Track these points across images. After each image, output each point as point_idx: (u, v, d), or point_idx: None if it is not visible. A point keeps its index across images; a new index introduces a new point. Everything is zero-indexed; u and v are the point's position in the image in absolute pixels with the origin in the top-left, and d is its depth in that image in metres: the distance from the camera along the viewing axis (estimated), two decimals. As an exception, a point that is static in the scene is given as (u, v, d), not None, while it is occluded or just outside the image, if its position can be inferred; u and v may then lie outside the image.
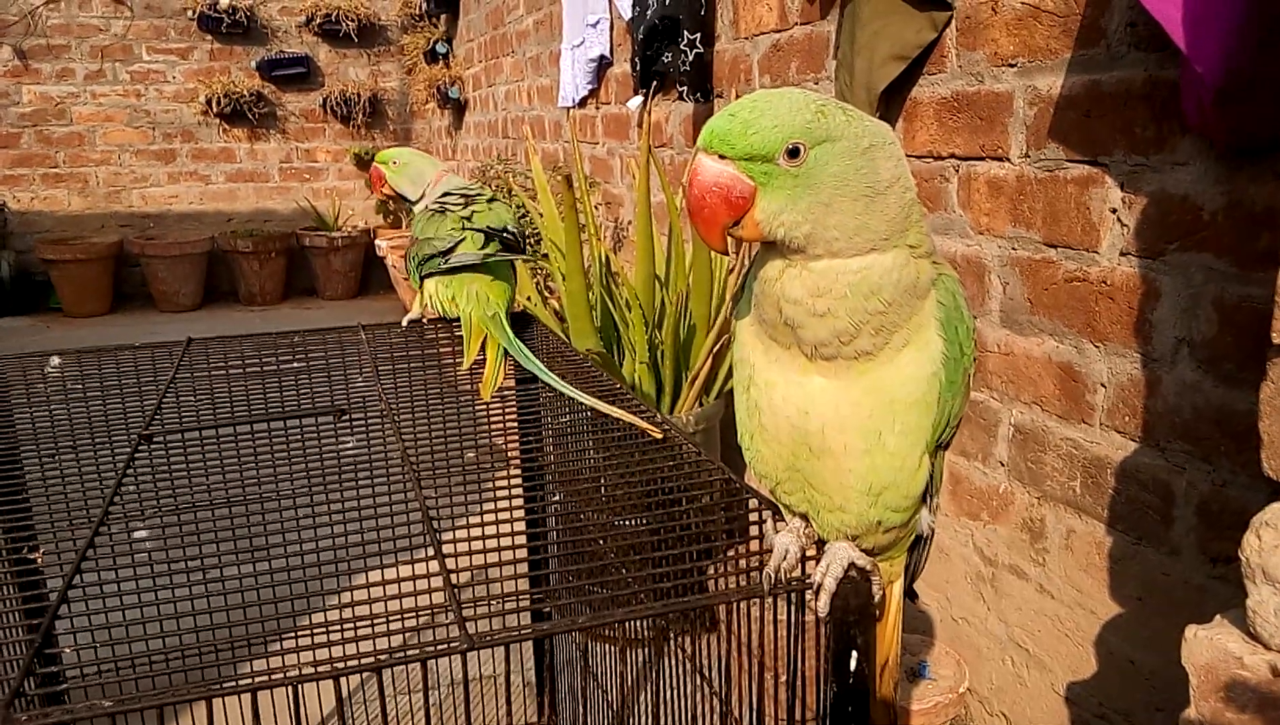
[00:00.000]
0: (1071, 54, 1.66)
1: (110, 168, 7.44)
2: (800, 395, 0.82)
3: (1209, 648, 0.92)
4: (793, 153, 0.75)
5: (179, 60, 7.47)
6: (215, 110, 7.44)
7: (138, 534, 1.07)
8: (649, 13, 3.29)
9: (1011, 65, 1.80)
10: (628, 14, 3.62)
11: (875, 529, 0.87)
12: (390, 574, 1.01)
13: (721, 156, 0.76)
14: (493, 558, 1.19)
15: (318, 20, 7.56)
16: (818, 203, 0.76)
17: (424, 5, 7.24)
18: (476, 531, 1.23)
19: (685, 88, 3.06)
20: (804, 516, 0.91)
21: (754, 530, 0.98)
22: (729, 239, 0.79)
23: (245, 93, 7.45)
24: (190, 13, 7.33)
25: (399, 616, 0.85)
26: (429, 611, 0.92)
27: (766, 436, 0.87)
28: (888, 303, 0.78)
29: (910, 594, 1.03)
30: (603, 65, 4.13)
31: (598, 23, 4.03)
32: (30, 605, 1.11)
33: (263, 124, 7.71)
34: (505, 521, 1.28)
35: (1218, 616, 0.95)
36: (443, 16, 7.26)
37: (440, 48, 7.21)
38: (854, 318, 0.78)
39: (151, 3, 7.34)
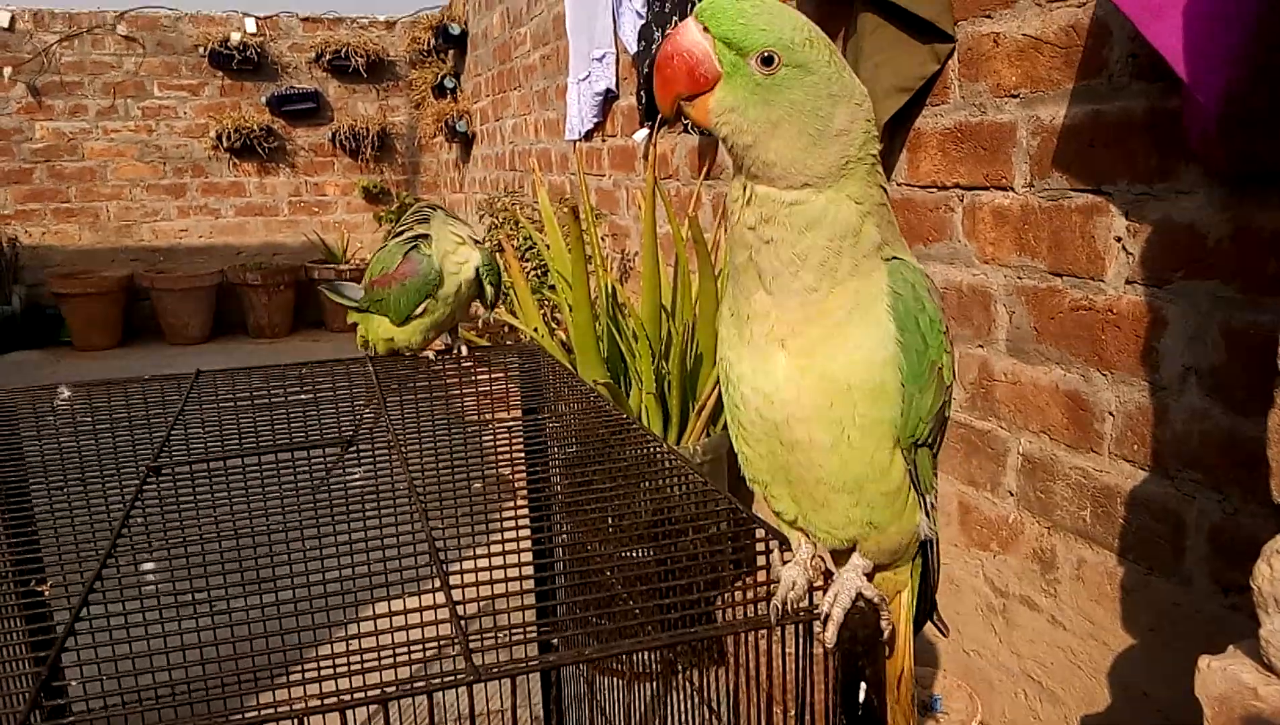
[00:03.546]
0: (1074, 84, 1.68)
1: (121, 202, 7.51)
2: (766, 383, 0.84)
3: (1223, 679, 0.91)
4: (767, 60, 0.77)
5: (190, 96, 7.57)
6: (225, 145, 7.52)
7: (145, 566, 1.07)
8: (654, 47, 3.32)
9: (1014, 96, 1.81)
10: (633, 48, 3.66)
11: (869, 530, 0.87)
12: (397, 606, 1.00)
13: (706, 29, 0.77)
14: (499, 589, 1.18)
15: (327, 56, 7.66)
16: (767, 120, 0.78)
17: (432, 41, 7.33)
18: (483, 563, 1.23)
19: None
20: (797, 527, 0.91)
21: (761, 561, 0.98)
22: (680, 110, 0.82)
23: (255, 128, 7.54)
24: (202, 50, 7.43)
25: (405, 649, 0.85)
26: (435, 644, 0.92)
27: (746, 435, 0.89)
28: (826, 240, 0.81)
29: (930, 616, 1.03)
30: (609, 99, 4.17)
31: (603, 57, 4.08)
32: (37, 638, 1.11)
33: (272, 158, 7.79)
34: (512, 552, 1.27)
35: (1231, 647, 0.94)
36: (450, 52, 7.35)
37: (448, 82, 7.30)
38: (795, 248, 0.81)
39: (164, 40, 7.44)
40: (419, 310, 1.66)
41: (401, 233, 1.69)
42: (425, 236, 1.67)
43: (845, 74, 0.80)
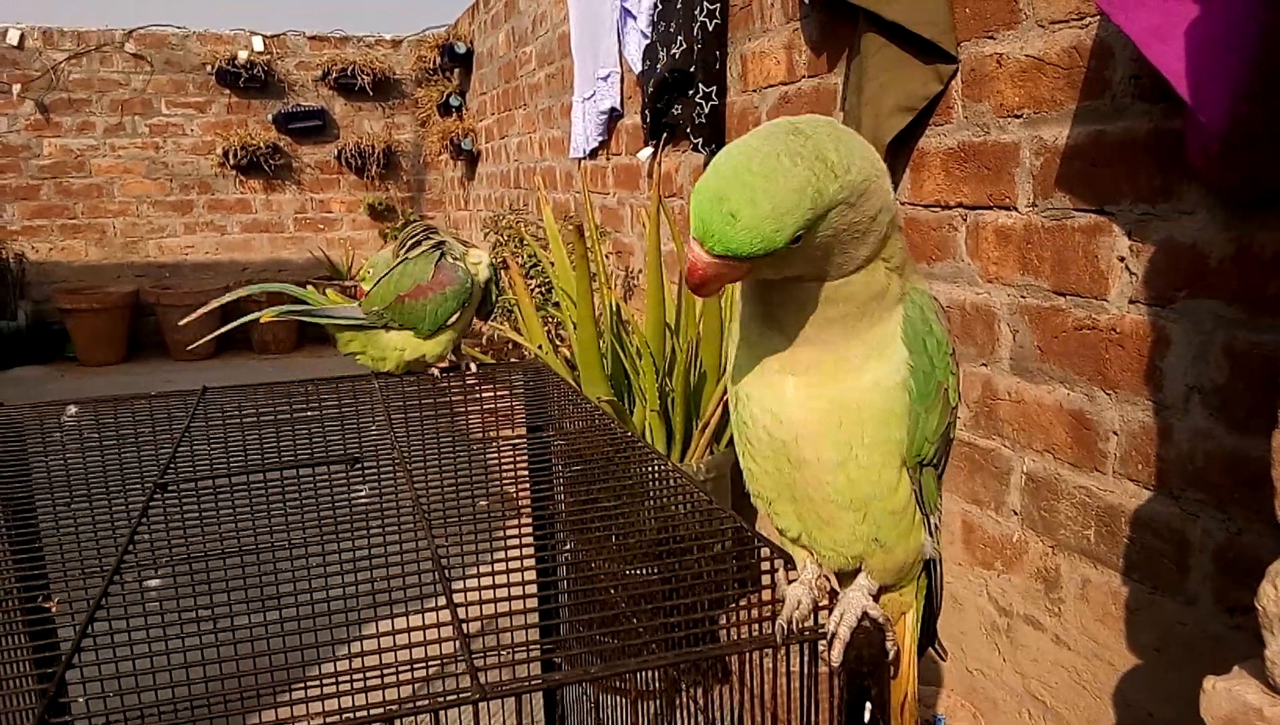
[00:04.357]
0: (1076, 105, 1.69)
1: (128, 219, 7.55)
2: (775, 402, 0.84)
3: (1227, 699, 0.90)
4: (792, 241, 0.71)
5: (197, 114, 7.62)
6: (232, 162, 7.56)
7: (150, 583, 1.07)
8: (659, 66, 3.34)
9: (1017, 116, 1.82)
10: (638, 67, 3.68)
11: (875, 548, 0.87)
12: (401, 623, 1.00)
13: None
14: (504, 607, 1.18)
15: (334, 74, 7.71)
16: (812, 257, 0.75)
17: (438, 60, 7.39)
18: (487, 580, 1.23)
19: (700, 139, 3.10)
20: (801, 544, 0.91)
21: (766, 580, 0.98)
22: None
23: (262, 145, 7.58)
24: (209, 68, 7.49)
25: (409, 667, 0.85)
26: (439, 661, 0.92)
27: (753, 451, 0.88)
28: (857, 306, 0.80)
29: (932, 640, 1.03)
30: (613, 117, 4.20)
31: (608, 76, 4.10)
32: (41, 655, 1.11)
33: (278, 175, 7.83)
34: (516, 570, 1.28)
35: (1235, 667, 0.94)
36: (456, 71, 7.40)
37: (454, 101, 7.34)
38: (824, 315, 0.80)
39: (171, 58, 7.50)
40: (452, 319, 1.66)
41: (415, 246, 1.69)
42: (445, 243, 1.68)
43: (856, 159, 0.72)
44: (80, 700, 0.82)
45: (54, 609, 1.01)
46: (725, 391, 2.58)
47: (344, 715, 0.74)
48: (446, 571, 0.99)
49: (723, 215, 0.69)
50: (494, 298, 1.77)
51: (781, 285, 0.80)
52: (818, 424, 0.82)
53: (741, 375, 0.89)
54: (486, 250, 1.73)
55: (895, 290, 0.82)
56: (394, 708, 0.74)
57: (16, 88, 7.11)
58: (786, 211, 0.69)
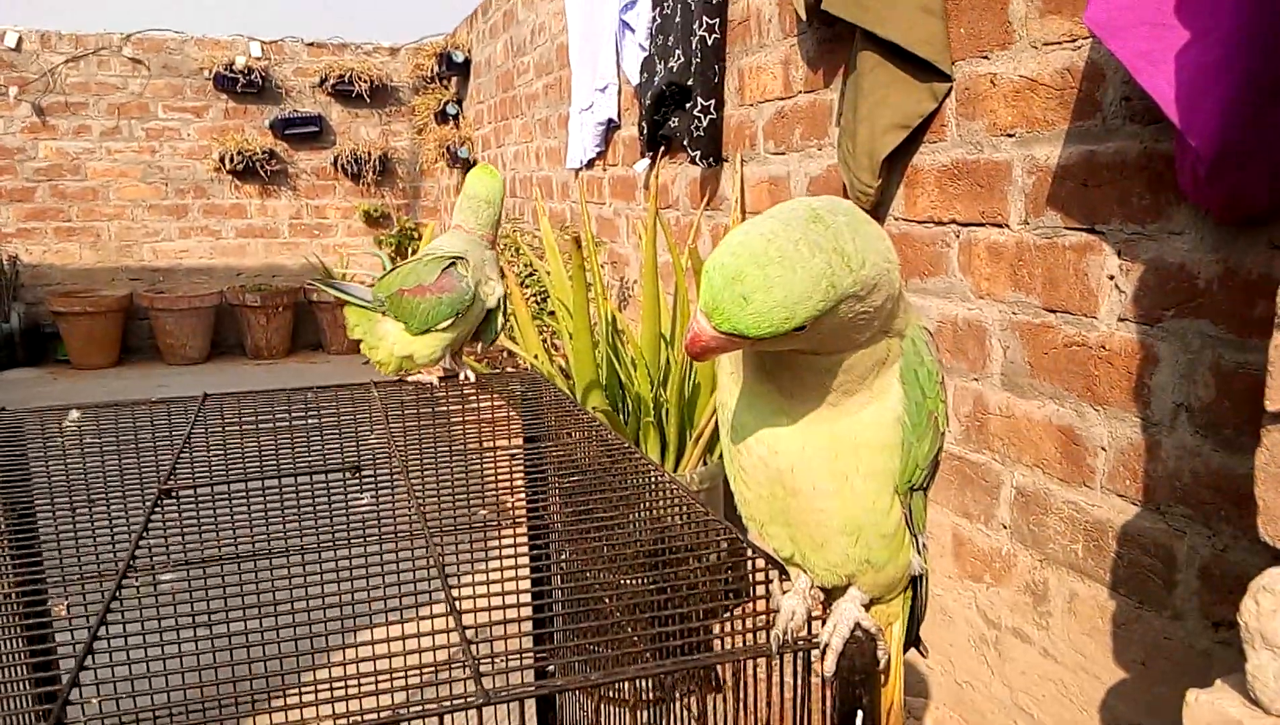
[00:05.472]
0: (1068, 125, 1.71)
1: (122, 222, 7.54)
2: (770, 435, 0.85)
3: (1210, 712, 0.92)
4: (798, 328, 0.71)
5: (194, 118, 7.62)
6: (228, 167, 7.56)
7: (163, 577, 1.08)
8: (657, 79, 3.37)
9: (1010, 135, 1.85)
10: (636, 79, 3.71)
11: (867, 568, 0.89)
12: (398, 630, 1.02)
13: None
14: (498, 615, 1.19)
15: (331, 81, 7.72)
16: (815, 339, 0.75)
17: (435, 68, 7.41)
18: (482, 589, 1.24)
19: (697, 152, 3.13)
20: (793, 563, 0.93)
21: (760, 590, 1.00)
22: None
23: (258, 150, 7.59)
24: (207, 72, 7.49)
25: (404, 673, 0.86)
26: (434, 668, 0.94)
27: (746, 477, 0.90)
28: (859, 375, 0.82)
29: (916, 642, 1.05)
30: (610, 128, 4.22)
31: (606, 88, 4.13)
32: (39, 659, 1.12)
33: (274, 181, 7.83)
34: (511, 579, 1.29)
35: (1218, 681, 0.95)
36: (454, 79, 7.42)
37: (451, 109, 7.37)
38: (827, 383, 0.81)
39: (169, 62, 7.51)
40: (442, 324, 1.72)
41: (434, 257, 1.75)
42: (461, 258, 1.73)
43: (869, 254, 0.72)
44: (86, 703, 0.83)
45: (60, 612, 1.02)
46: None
47: (339, 720, 0.75)
48: (446, 579, 1.00)
49: (735, 296, 0.68)
50: (498, 327, 1.82)
51: (782, 354, 0.81)
52: (815, 455, 0.84)
53: (731, 396, 0.90)
54: (502, 276, 1.79)
55: (896, 348, 0.84)
56: (400, 711, 0.76)
57: (13, 90, 7.10)
58: (799, 301, 0.69)
